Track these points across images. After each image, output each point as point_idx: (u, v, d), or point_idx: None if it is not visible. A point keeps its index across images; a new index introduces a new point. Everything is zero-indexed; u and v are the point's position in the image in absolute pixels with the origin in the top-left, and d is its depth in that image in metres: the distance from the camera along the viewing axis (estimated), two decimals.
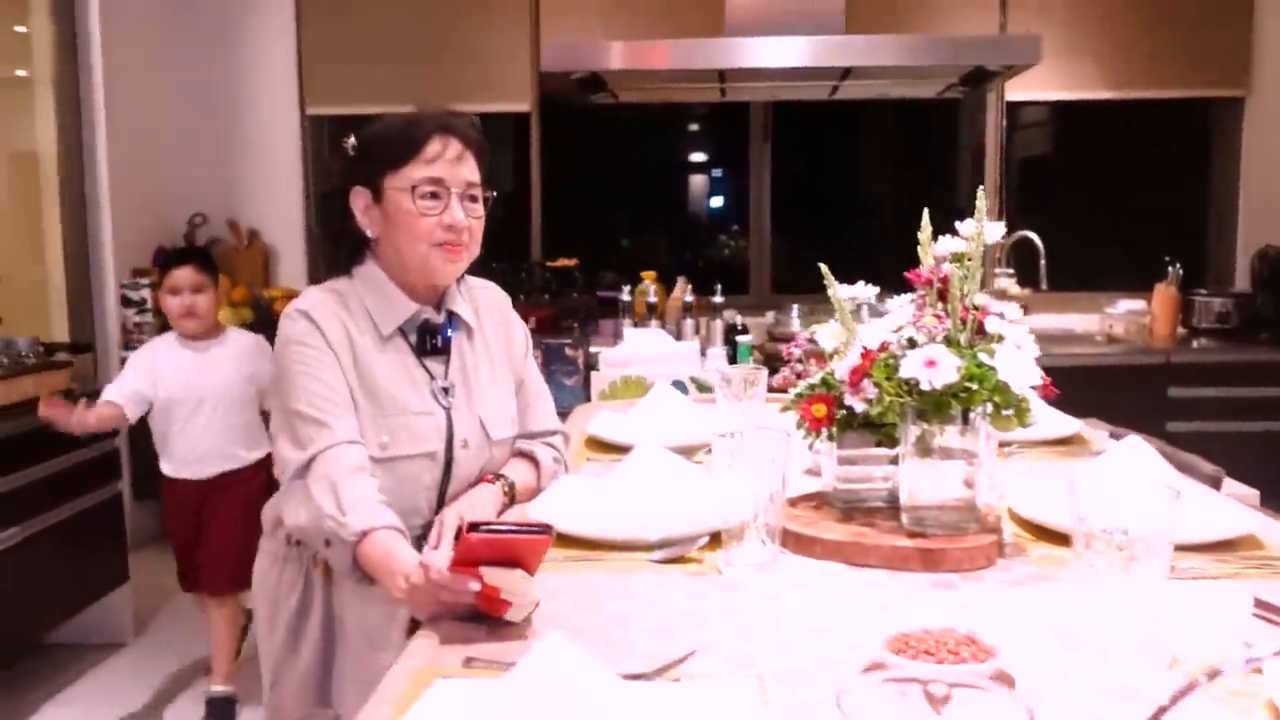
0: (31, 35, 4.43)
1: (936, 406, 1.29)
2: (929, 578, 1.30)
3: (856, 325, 1.45)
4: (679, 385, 2.41)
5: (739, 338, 3.22)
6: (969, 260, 1.34)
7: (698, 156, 5.66)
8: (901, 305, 1.42)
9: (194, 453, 2.96)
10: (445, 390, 1.64)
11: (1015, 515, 1.49)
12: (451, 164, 1.58)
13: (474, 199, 1.61)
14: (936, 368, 1.27)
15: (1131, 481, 1.22)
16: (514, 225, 5.05)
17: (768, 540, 1.31)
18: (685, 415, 2.08)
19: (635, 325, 3.87)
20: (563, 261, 4.84)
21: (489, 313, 1.76)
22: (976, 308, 1.34)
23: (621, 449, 1.99)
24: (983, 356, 1.30)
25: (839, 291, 1.47)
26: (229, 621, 3.10)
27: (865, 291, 1.53)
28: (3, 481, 2.98)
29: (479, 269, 1.74)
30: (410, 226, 1.58)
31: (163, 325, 4.63)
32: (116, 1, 4.54)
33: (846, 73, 3.39)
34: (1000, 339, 1.33)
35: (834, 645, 1.09)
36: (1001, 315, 1.34)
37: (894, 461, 1.49)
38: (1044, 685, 0.98)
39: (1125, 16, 4.69)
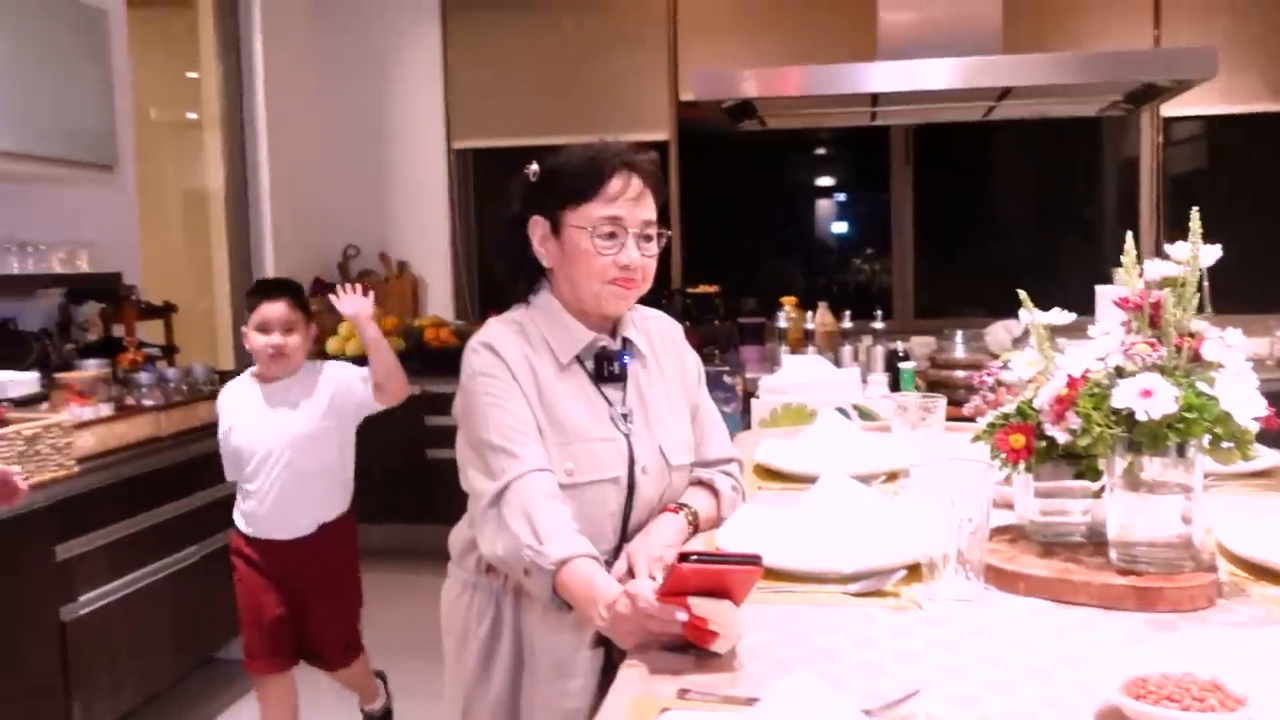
0: (201, 80, 4.69)
1: (1152, 438, 1.24)
2: (1145, 618, 1.24)
3: (1054, 352, 1.41)
4: (840, 412, 2.37)
5: (901, 364, 3.16)
6: (1183, 284, 1.29)
7: (828, 181, 5.61)
8: (1104, 332, 1.37)
9: (281, 506, 2.63)
10: (624, 416, 1.65)
11: (1227, 553, 1.42)
12: (631, 203, 1.59)
13: (649, 238, 1.62)
14: (1153, 397, 1.22)
15: None
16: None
17: (971, 575, 1.28)
18: (856, 443, 2.05)
19: (792, 352, 3.84)
20: (703, 288, 4.85)
21: (662, 342, 1.76)
22: (1192, 334, 1.28)
23: (792, 477, 1.98)
24: (1201, 385, 1.24)
25: (1036, 317, 1.43)
26: (359, 680, 2.97)
27: (1062, 317, 1.48)
28: (184, 502, 3.12)
29: None
30: (586, 264, 1.59)
31: (320, 354, 4.84)
32: (278, 47, 4.78)
33: (1005, 93, 3.31)
34: (1219, 366, 1.27)
35: (1058, 687, 1.05)
36: (1221, 340, 1.28)
37: (1096, 495, 1.44)
38: None
39: None
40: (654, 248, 1.63)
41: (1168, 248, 1.31)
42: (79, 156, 3.17)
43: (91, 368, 3.01)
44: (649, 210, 1.62)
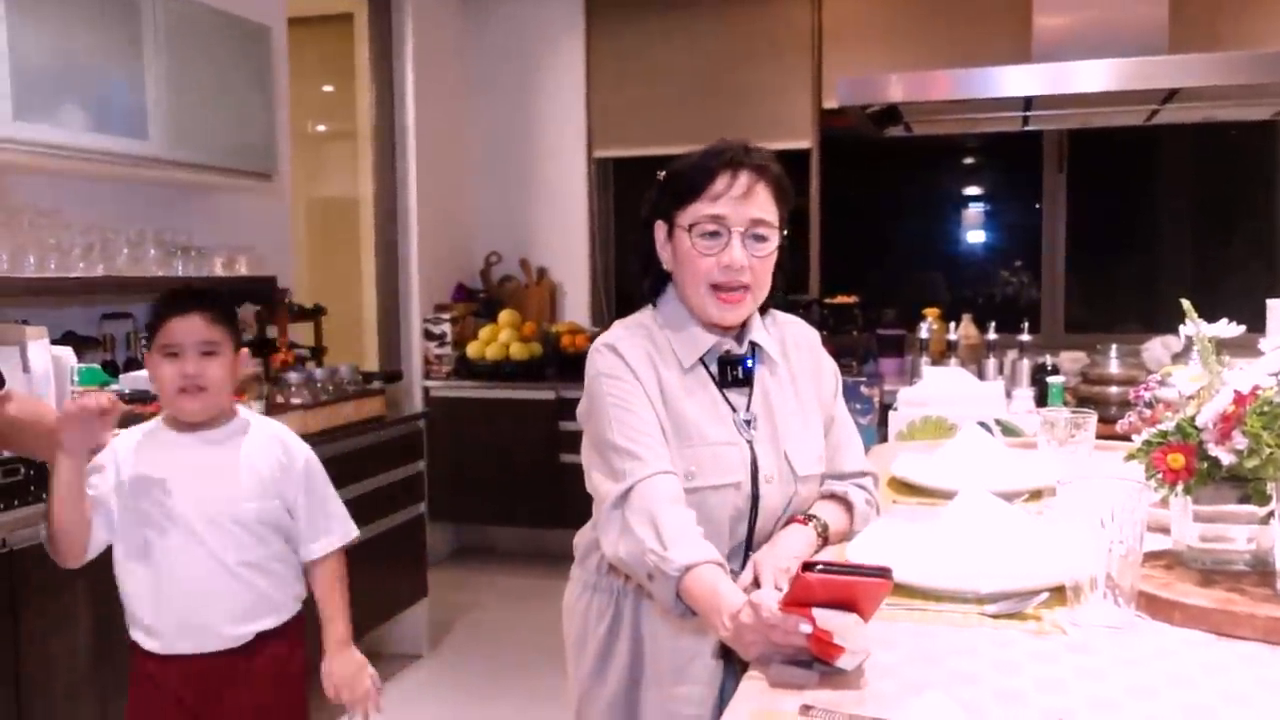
0: (355, 94, 4.88)
1: None
2: None
3: (1220, 368, 1.31)
4: (983, 427, 2.28)
5: (1050, 379, 3.02)
6: None
7: (975, 189, 5.43)
8: (1276, 347, 1.27)
9: (192, 609, 1.79)
10: (748, 423, 1.61)
11: None
12: (737, 201, 1.55)
13: (760, 238, 1.56)
14: None
15: None
16: (793, 263, 5.02)
17: (1120, 601, 1.20)
18: (997, 459, 1.97)
19: (933, 364, 3.73)
20: (841, 299, 4.77)
21: (797, 349, 1.72)
22: None
23: (930, 492, 1.91)
24: None
25: (1203, 329, 1.33)
26: None
27: (1229, 330, 1.38)
28: None
29: None
30: (691, 266, 1.57)
31: (461, 359, 4.96)
32: (427, 62, 4.93)
33: (1170, 96, 3.14)
34: None
35: None
36: None
37: (1263, 521, 1.33)
38: None
39: None
40: (767, 248, 1.57)
41: None
42: (243, 165, 3.33)
43: (246, 366, 3.14)
44: (760, 209, 1.56)
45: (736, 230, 1.55)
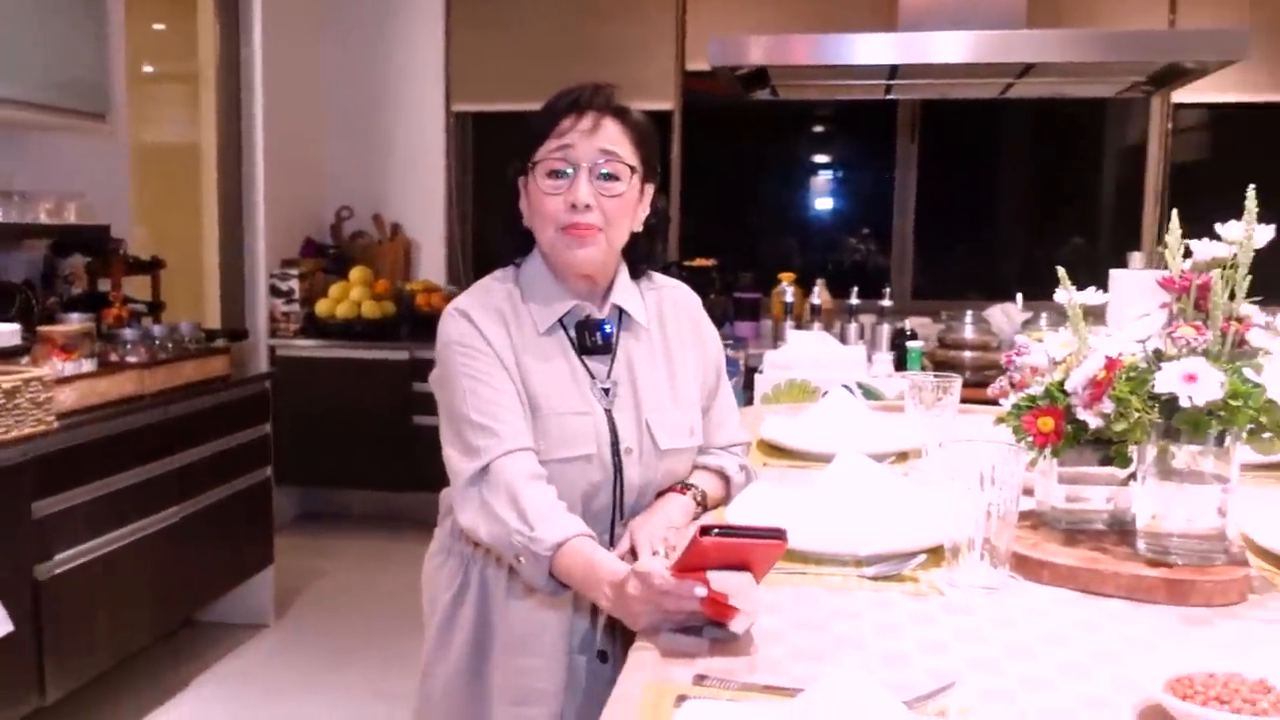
0: (196, 33, 4.58)
1: (1193, 426, 1.18)
2: (1177, 611, 1.19)
3: (1089, 334, 1.35)
4: (845, 390, 2.31)
5: (909, 343, 3.10)
6: (1231, 267, 1.23)
7: (831, 157, 5.53)
8: (1146, 315, 1.31)
9: None
10: (606, 391, 1.54)
11: (1254, 546, 1.36)
12: (584, 134, 1.47)
13: (612, 176, 1.49)
14: (1198, 383, 1.16)
15: None
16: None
17: (995, 562, 1.22)
18: (864, 422, 1.99)
19: (798, 327, 3.77)
20: (700, 262, 4.78)
21: (676, 315, 1.66)
22: (1239, 319, 1.22)
23: (800, 455, 1.92)
24: (1248, 372, 1.18)
25: (1073, 297, 1.36)
26: None
27: (1096, 298, 1.42)
28: (166, 461, 3.05)
29: None
30: (540, 208, 1.50)
31: (309, 317, 4.76)
32: (276, 2, 4.66)
33: (1026, 70, 3.24)
34: (1266, 353, 1.21)
35: (1096, 684, 1.00)
36: (1267, 327, 1.22)
37: (1124, 483, 1.38)
38: None
39: None
40: (619, 187, 1.49)
41: (1218, 227, 1.25)
42: (71, 104, 3.07)
43: (75, 322, 2.92)
44: (610, 141, 1.48)
45: (584, 165, 1.47)
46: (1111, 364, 1.24)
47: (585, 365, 1.56)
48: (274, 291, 4.70)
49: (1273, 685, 0.91)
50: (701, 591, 1.09)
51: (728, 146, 5.36)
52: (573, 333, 1.56)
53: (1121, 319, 1.46)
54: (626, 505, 1.54)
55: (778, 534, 1.12)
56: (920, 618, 1.16)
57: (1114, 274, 2.43)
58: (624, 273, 1.62)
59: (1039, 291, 4.56)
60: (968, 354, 3.47)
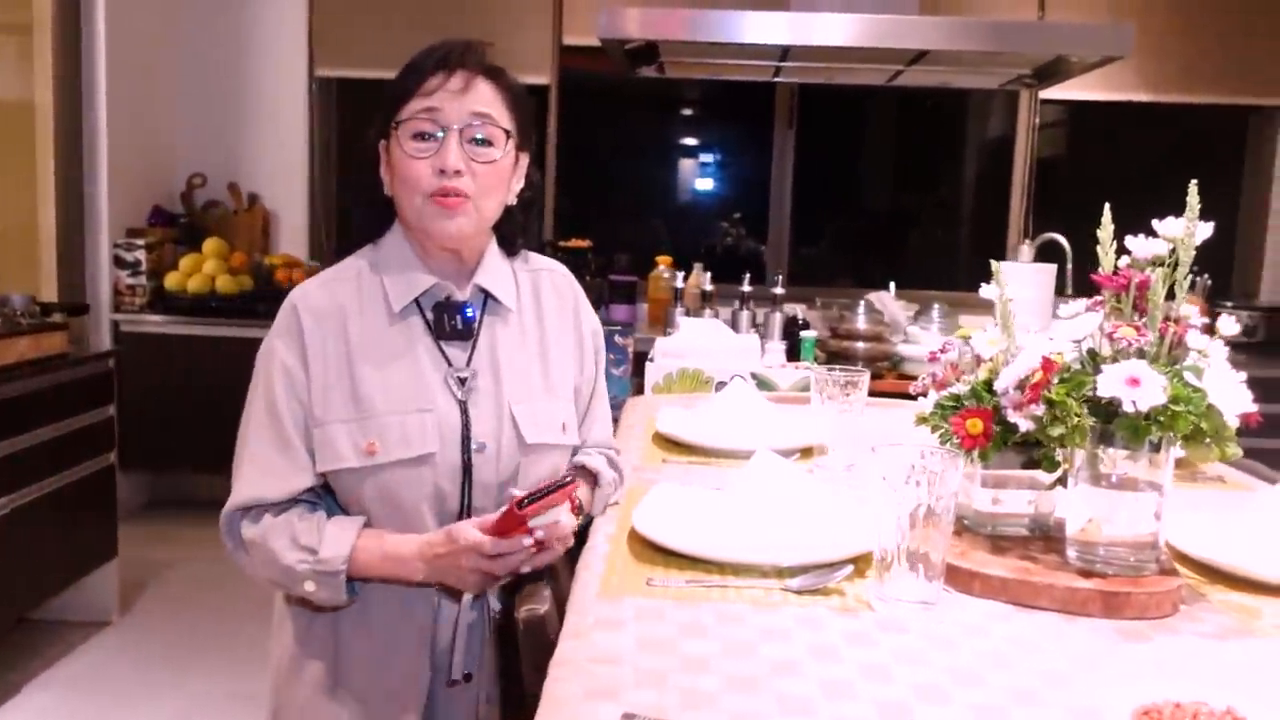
0: None
1: (1133, 431, 1.13)
2: (1111, 625, 1.14)
3: (1017, 333, 1.29)
4: (743, 382, 2.24)
5: (803, 333, 3.04)
6: (1170, 265, 1.18)
7: (708, 139, 5.48)
8: (1078, 313, 1.26)
9: None
10: (463, 381, 1.41)
11: (1179, 555, 1.33)
12: (454, 95, 1.35)
13: (485, 141, 1.36)
14: (1141, 387, 1.11)
15: None
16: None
17: (928, 575, 1.15)
18: (766, 416, 1.92)
19: (688, 314, 3.68)
20: (575, 243, 4.65)
21: (552, 298, 1.53)
22: (1176, 320, 1.17)
23: (701, 450, 1.83)
24: (1189, 376, 1.14)
25: (1006, 293, 1.30)
26: None
27: (1034, 293, 1.36)
28: None
29: None
30: (404, 173, 1.36)
31: (158, 291, 4.43)
32: None
33: (919, 57, 3.22)
34: (1206, 356, 1.17)
35: (1051, 712, 0.93)
36: (1211, 330, 1.18)
37: (1050, 487, 1.33)
38: None
39: (1164, 19, 4.56)
40: (493, 153, 1.37)
41: (1156, 224, 1.20)
42: None
43: None
44: (481, 102, 1.36)
45: (454, 127, 1.35)
46: (1048, 365, 1.18)
47: (443, 352, 1.42)
48: (118, 263, 4.36)
49: (1243, 715, 0.86)
50: (528, 540, 1.26)
51: (603, 126, 5.25)
52: (430, 315, 1.42)
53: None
54: (475, 508, 1.40)
55: (569, 481, 1.28)
56: (855, 637, 1.08)
57: (996, 266, 2.41)
58: (493, 250, 1.48)
59: (908, 280, 4.63)
60: (860, 344, 3.46)
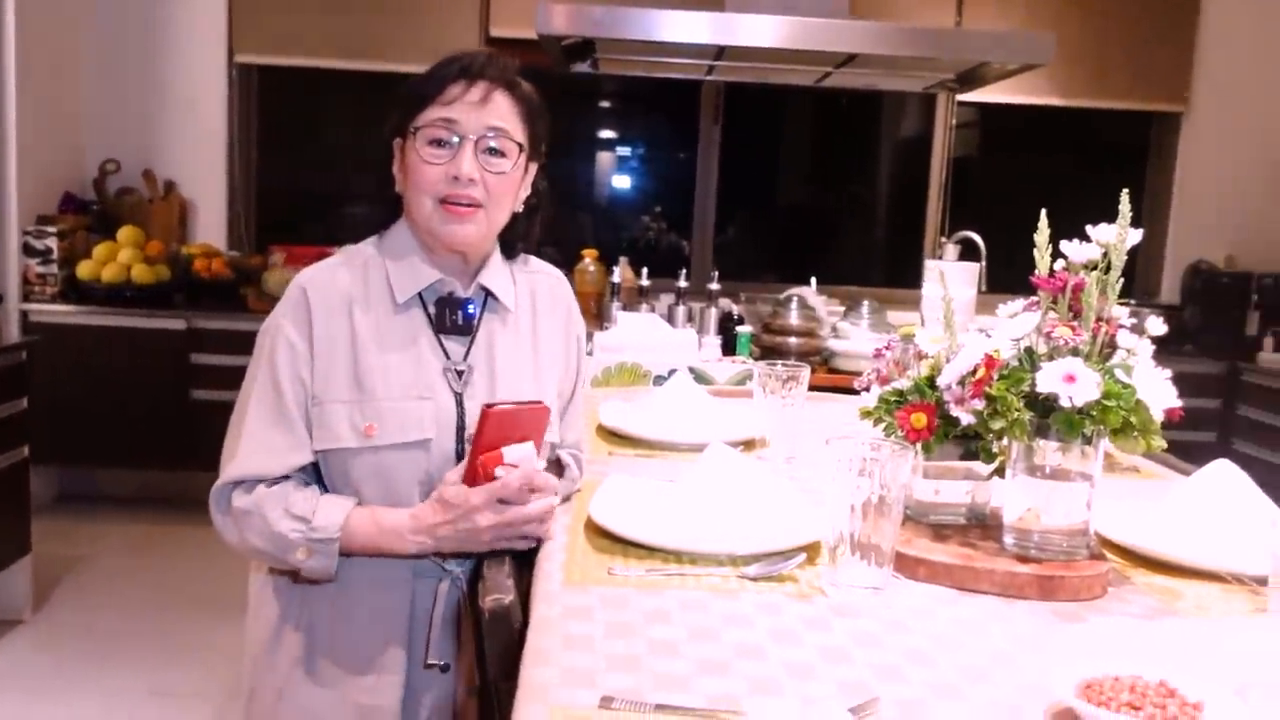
0: None
1: (1068, 424, 1.20)
2: (1048, 607, 1.21)
3: (959, 331, 1.35)
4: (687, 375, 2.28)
5: (739, 328, 3.09)
6: (1106, 267, 1.25)
7: (629, 134, 5.52)
8: (1014, 312, 1.33)
9: None
10: (460, 374, 1.46)
11: (1105, 540, 1.41)
12: (472, 106, 1.40)
13: (498, 152, 1.42)
14: (1076, 384, 1.18)
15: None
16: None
17: (878, 562, 1.20)
18: (708, 409, 1.96)
19: (624, 309, 3.71)
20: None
21: (547, 302, 1.59)
22: (1108, 320, 1.25)
23: (646, 443, 1.87)
24: (1119, 373, 1.21)
25: (949, 292, 1.36)
26: None
27: (963, 292, 1.43)
28: None
29: None
30: (417, 176, 1.42)
31: (69, 279, 4.30)
32: None
33: (848, 60, 3.30)
34: (1134, 354, 1.24)
35: (1001, 689, 0.99)
36: (1137, 328, 1.26)
37: (988, 478, 1.40)
38: None
39: (1075, 26, 4.73)
40: (505, 164, 1.43)
41: (1089, 229, 1.27)
42: None
43: None
44: (499, 116, 1.42)
45: (470, 137, 1.40)
46: (991, 362, 1.25)
47: (442, 345, 1.47)
48: (27, 251, 4.23)
49: (1174, 687, 0.93)
50: (502, 471, 1.33)
51: None
52: (432, 309, 1.47)
53: (934, 307, 1.48)
54: None
55: (539, 402, 1.40)
56: (812, 622, 1.13)
57: (929, 265, 2.50)
58: (497, 253, 1.53)
59: (829, 276, 4.74)
60: (793, 339, 3.54)
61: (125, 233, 4.42)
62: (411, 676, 1.44)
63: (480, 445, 1.33)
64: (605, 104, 5.46)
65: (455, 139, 1.40)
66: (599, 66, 3.61)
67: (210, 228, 4.83)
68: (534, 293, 1.57)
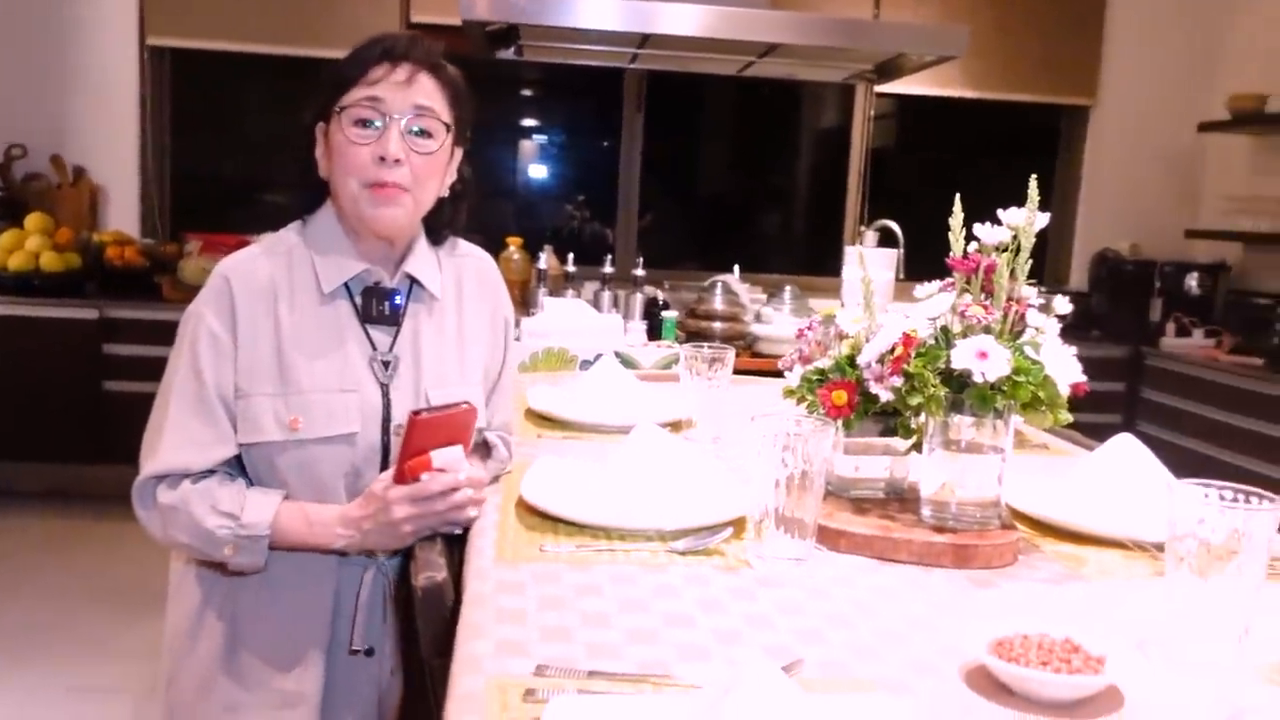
0: None
1: (981, 399, 1.26)
2: (963, 574, 1.26)
3: (878, 311, 1.40)
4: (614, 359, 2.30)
5: (664, 313, 3.12)
6: (1016, 250, 1.31)
7: (555, 122, 5.52)
8: (932, 294, 1.38)
9: None
10: (386, 364, 1.46)
11: (1015, 512, 1.48)
12: (397, 86, 1.40)
13: (425, 133, 1.42)
14: (988, 360, 1.23)
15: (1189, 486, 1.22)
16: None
17: (804, 536, 1.25)
18: (635, 392, 1.99)
19: (550, 294, 3.72)
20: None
21: (473, 284, 1.58)
22: (1018, 300, 1.31)
23: (573, 425, 1.90)
24: (1028, 350, 1.27)
25: (868, 273, 1.41)
26: None
27: (882, 275, 1.48)
28: None
29: None
30: (343, 159, 1.41)
31: None
32: None
33: (770, 50, 3.35)
34: (1042, 332, 1.30)
35: (917, 649, 1.04)
36: (1045, 308, 1.32)
37: (906, 453, 1.45)
38: (1154, 698, 0.96)
39: (988, 20, 4.85)
40: (431, 145, 1.43)
41: (1001, 213, 1.33)
42: None
43: None
44: (423, 95, 1.42)
45: (395, 117, 1.39)
46: (909, 340, 1.30)
47: (368, 335, 1.47)
48: None
49: (1079, 643, 0.98)
50: (428, 475, 1.33)
51: None
52: (359, 299, 1.46)
53: (854, 290, 1.54)
54: None
55: (466, 403, 1.39)
56: (738, 592, 1.17)
57: (849, 250, 2.56)
58: (422, 239, 1.53)
59: (750, 263, 4.81)
60: (718, 324, 3.59)
61: (33, 219, 4.29)
62: (334, 663, 1.44)
63: (407, 452, 1.32)
64: (528, 92, 5.45)
65: (381, 120, 1.40)
66: (523, 53, 3.61)
67: (122, 215, 4.71)
68: (460, 278, 1.57)
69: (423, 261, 1.51)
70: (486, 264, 1.64)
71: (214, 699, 1.44)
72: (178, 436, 1.37)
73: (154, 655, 1.62)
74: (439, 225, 1.55)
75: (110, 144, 4.66)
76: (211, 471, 1.38)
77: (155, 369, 1.47)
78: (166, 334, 1.47)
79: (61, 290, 4.17)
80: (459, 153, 1.53)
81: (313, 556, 1.42)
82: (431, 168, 1.44)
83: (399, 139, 1.40)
